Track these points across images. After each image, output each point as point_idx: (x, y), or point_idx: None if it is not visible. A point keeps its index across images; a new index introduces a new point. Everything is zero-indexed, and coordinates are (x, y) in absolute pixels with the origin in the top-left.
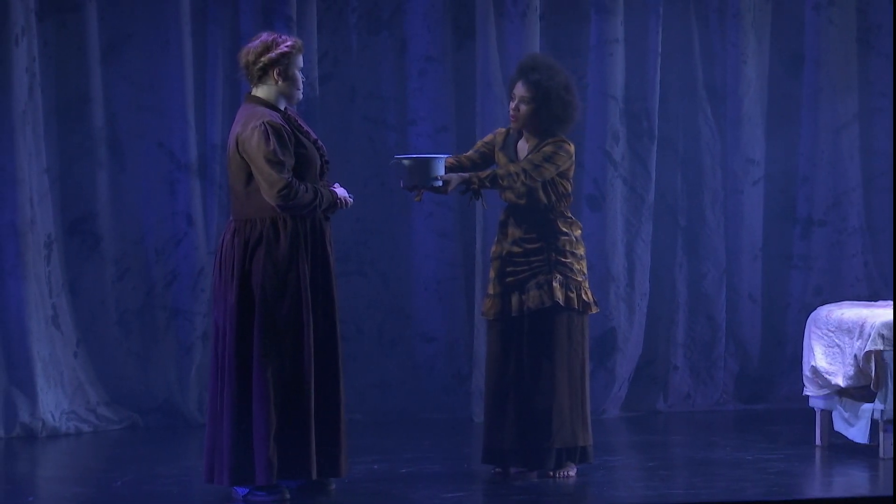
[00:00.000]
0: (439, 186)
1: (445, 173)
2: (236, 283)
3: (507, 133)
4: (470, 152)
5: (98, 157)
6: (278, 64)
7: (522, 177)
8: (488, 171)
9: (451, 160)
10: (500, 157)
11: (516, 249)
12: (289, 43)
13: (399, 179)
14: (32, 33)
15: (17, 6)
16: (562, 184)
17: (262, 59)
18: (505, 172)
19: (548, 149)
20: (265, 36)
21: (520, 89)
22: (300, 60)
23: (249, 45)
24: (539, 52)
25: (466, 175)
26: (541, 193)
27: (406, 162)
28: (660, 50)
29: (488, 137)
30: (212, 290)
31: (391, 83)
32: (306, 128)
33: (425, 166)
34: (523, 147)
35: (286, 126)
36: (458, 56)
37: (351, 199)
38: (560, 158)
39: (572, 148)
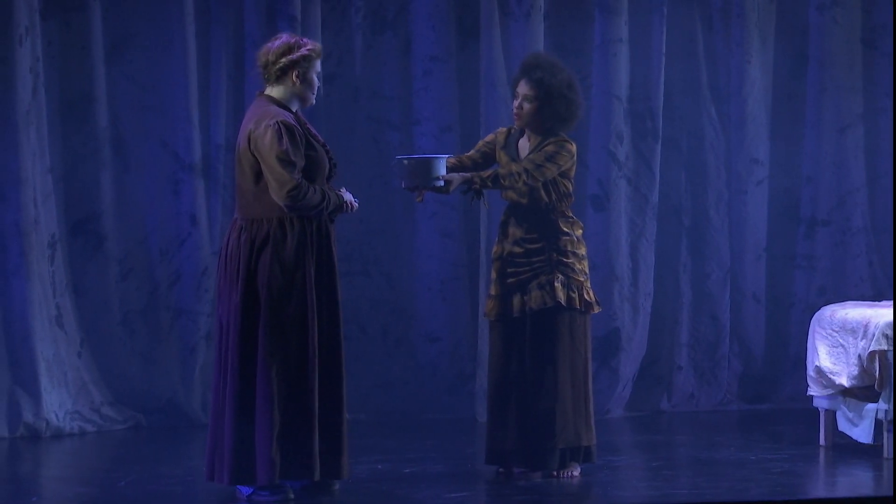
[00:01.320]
0: (441, 186)
1: (447, 173)
2: (241, 282)
3: (509, 132)
4: (471, 152)
5: (102, 156)
6: (298, 66)
7: (524, 176)
8: (490, 171)
9: (452, 160)
10: (502, 157)
11: (517, 249)
12: (310, 46)
13: (401, 180)
14: (36, 33)
15: (20, 6)
16: (563, 183)
17: (283, 59)
18: (507, 172)
19: (549, 148)
20: (286, 37)
21: (523, 87)
22: (318, 65)
23: (269, 44)
24: (542, 51)
25: (468, 175)
26: (542, 193)
27: (407, 162)
28: (664, 50)
29: (490, 137)
30: (216, 289)
31: (395, 83)
32: (314, 131)
33: (426, 166)
34: (525, 146)
35: (298, 127)
36: (462, 56)
37: (356, 204)
38: (562, 158)
39: (574, 147)
